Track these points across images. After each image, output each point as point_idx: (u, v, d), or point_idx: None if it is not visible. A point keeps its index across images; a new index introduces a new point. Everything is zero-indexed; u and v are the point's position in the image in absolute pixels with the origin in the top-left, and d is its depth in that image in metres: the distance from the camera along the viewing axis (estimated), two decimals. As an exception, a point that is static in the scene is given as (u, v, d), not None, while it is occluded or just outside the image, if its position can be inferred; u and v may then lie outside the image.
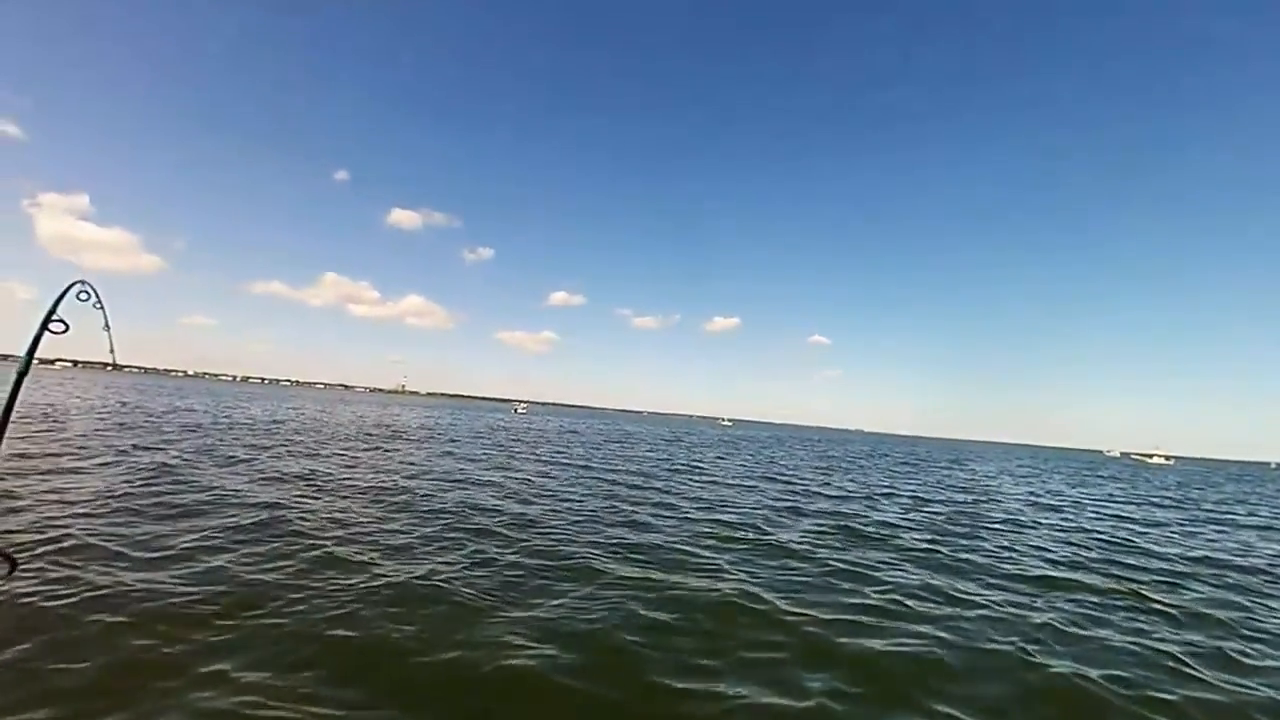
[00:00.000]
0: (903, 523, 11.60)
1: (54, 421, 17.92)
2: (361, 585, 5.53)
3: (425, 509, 9.38)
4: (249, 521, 7.60)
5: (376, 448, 18.61)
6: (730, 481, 16.62)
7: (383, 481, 11.79)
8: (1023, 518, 13.46)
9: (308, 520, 7.93)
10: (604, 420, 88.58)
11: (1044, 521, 13.14)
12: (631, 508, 10.89)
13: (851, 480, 19.76)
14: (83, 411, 22.90)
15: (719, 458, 25.97)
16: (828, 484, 17.92)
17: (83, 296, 2.37)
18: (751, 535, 9.23)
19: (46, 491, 8.40)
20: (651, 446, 30.42)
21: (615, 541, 8.11)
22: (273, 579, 5.55)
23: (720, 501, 12.61)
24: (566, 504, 10.84)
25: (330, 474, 12.29)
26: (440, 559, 6.68)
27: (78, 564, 5.50)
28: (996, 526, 11.91)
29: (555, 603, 5.53)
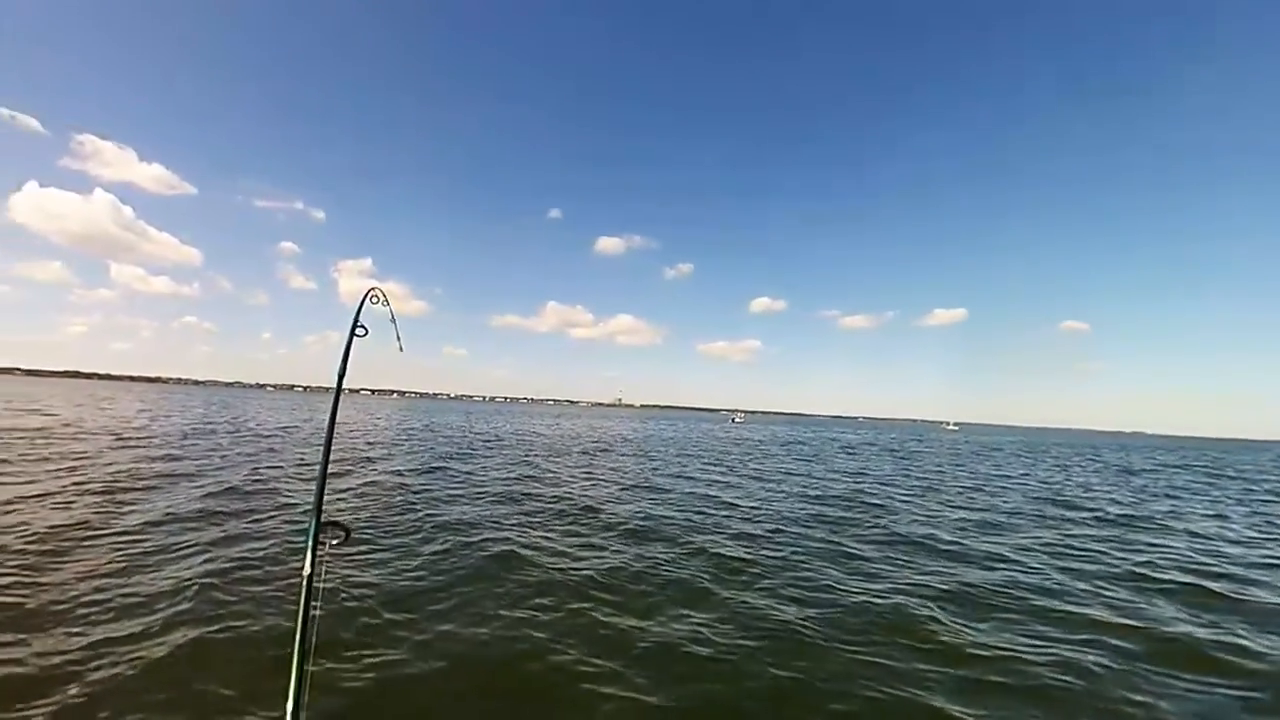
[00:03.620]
0: None
1: (370, 439, 20.86)
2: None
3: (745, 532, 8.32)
4: (557, 514, 7.89)
5: (654, 462, 18.73)
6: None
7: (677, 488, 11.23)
8: None
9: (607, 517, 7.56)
10: (820, 427, 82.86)
11: None
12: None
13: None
14: (394, 428, 26.87)
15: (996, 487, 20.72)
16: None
17: (374, 300, 2.74)
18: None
19: (383, 486, 10.04)
20: (914, 460, 26.00)
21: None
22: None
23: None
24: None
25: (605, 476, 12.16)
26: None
27: (391, 547, 6.82)
28: None
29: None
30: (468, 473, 13.59)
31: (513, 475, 13.65)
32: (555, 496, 10.90)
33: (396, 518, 8.37)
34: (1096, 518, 11.34)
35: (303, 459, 14.16)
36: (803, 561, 7.06)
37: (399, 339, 3.00)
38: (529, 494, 11.05)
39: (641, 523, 8.87)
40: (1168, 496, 15.64)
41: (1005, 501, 13.06)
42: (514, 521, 8.55)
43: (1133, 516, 11.64)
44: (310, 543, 2.12)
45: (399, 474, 12.73)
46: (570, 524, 8.65)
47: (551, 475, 14.06)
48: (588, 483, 13.09)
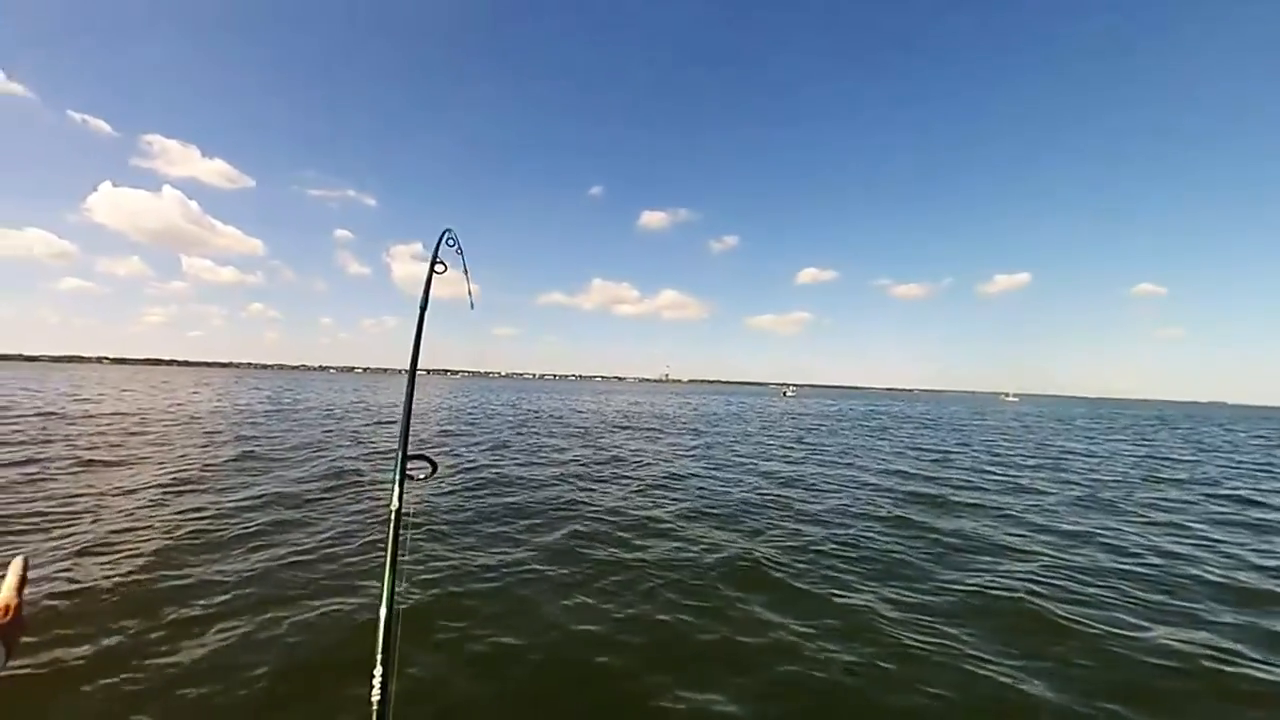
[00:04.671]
0: None
1: (434, 415, 21.61)
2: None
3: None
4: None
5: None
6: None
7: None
8: None
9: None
10: (874, 400, 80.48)
11: None
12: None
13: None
14: (453, 405, 27.72)
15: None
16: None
17: (450, 242, 2.72)
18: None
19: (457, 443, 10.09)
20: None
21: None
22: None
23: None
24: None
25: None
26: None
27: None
28: None
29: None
30: (526, 440, 13.97)
31: (565, 444, 13.89)
32: (610, 459, 11.14)
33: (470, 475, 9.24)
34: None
35: (358, 433, 14.67)
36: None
37: (470, 293, 2.95)
38: (580, 459, 11.27)
39: (688, 489, 8.86)
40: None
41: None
42: (570, 482, 8.82)
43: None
44: (397, 477, 2.05)
45: (465, 446, 13.15)
46: (620, 481, 8.70)
47: (605, 446, 14.20)
48: (639, 453, 13.11)
